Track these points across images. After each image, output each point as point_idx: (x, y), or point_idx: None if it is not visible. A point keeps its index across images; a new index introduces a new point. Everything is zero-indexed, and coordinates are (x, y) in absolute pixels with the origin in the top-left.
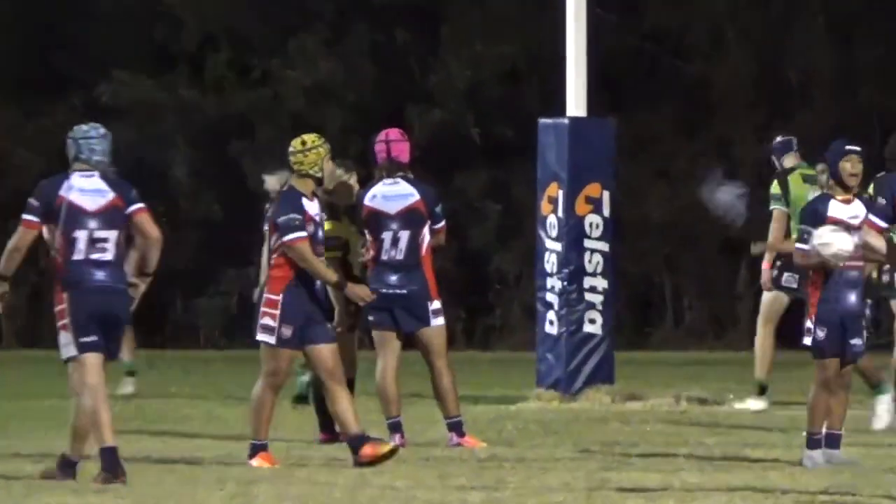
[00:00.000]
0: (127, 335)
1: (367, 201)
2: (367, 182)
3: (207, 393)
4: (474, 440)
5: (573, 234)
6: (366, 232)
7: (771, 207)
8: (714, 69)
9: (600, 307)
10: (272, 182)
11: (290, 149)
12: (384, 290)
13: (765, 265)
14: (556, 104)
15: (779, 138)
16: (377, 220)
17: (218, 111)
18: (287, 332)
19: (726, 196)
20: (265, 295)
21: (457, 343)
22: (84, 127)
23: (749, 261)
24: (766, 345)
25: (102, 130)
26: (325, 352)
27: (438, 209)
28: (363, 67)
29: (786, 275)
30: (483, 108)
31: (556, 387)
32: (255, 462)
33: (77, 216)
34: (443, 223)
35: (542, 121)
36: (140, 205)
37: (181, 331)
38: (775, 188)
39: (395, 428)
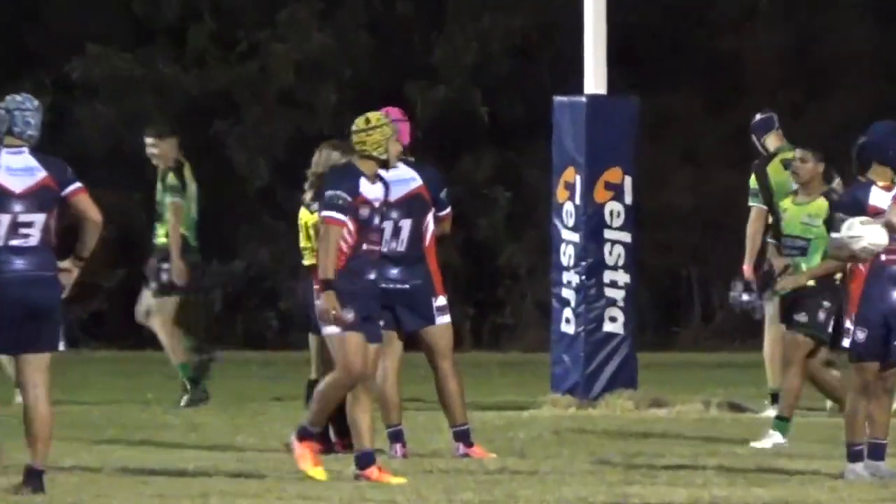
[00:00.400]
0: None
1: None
2: None
3: None
4: (483, 450)
5: (592, 223)
6: None
7: (749, 204)
8: (744, 44)
9: (622, 304)
10: (163, 148)
11: (353, 127)
12: (384, 286)
13: (746, 270)
14: (573, 81)
15: (758, 116)
16: None
17: (200, 88)
18: (350, 315)
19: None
20: (315, 285)
21: (464, 343)
22: (18, 97)
23: None
24: (774, 351)
25: (36, 102)
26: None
27: (443, 195)
28: (360, 40)
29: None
30: (492, 84)
31: (573, 392)
32: (297, 448)
33: (1, 199)
34: (448, 210)
35: (558, 99)
36: (78, 184)
37: None
38: (752, 182)
39: (396, 437)
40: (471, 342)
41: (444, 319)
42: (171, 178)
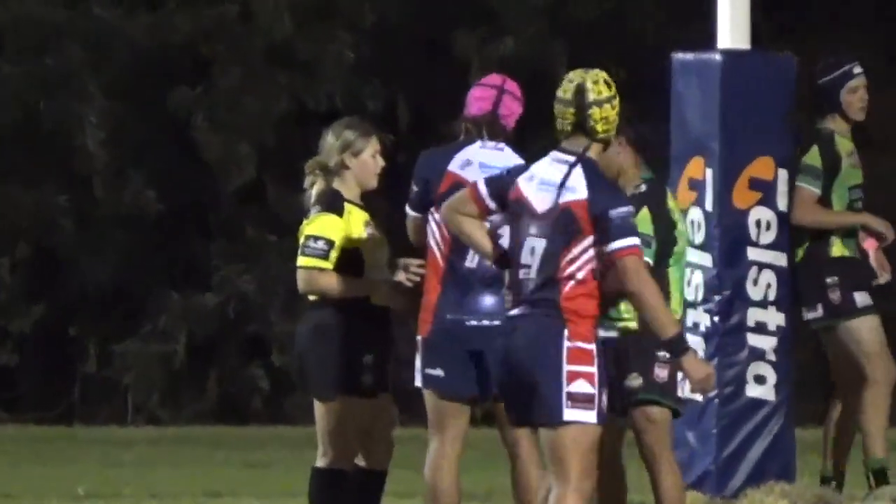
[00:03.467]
0: None
1: (454, 168)
2: (393, 152)
3: (138, 493)
4: None
5: (730, 238)
6: (435, 220)
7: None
8: None
9: (772, 357)
10: None
11: (591, 96)
12: (471, 322)
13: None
14: (700, 30)
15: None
16: None
17: (153, 40)
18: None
19: None
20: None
21: None
22: None
23: None
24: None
25: None
26: None
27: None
28: None
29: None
30: (577, 36)
31: (703, 485)
32: None
33: None
34: None
35: (678, 56)
36: None
37: (96, 395)
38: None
39: None
40: None
41: None
42: None
